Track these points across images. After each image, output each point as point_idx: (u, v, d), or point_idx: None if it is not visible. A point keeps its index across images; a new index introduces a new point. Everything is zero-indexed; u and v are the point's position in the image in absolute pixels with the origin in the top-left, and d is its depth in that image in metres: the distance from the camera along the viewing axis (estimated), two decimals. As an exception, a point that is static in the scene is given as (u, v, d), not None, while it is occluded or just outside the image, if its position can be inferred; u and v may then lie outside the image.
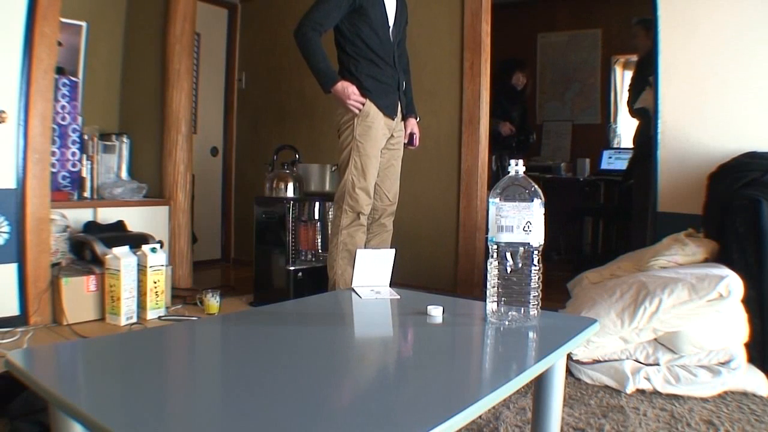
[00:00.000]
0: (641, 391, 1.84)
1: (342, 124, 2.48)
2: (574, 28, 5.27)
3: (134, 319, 2.60)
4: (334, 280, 2.53)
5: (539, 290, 1.09)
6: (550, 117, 5.43)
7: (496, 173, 4.09)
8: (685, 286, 1.81)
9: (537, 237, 1.07)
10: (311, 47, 2.36)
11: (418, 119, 2.76)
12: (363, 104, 2.40)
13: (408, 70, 2.72)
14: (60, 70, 2.98)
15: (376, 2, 2.43)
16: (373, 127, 2.42)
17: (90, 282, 2.60)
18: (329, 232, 2.85)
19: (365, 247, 2.57)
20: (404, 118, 2.64)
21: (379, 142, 2.47)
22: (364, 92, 2.41)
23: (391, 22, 2.49)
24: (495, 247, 1.09)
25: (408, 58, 2.73)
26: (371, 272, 1.44)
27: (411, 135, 2.70)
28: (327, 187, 3.15)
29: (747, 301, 1.84)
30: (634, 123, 4.19)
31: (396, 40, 2.54)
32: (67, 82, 3.05)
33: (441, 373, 0.89)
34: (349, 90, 2.38)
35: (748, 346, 1.86)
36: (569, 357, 1.94)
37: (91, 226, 2.88)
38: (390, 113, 2.49)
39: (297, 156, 3.30)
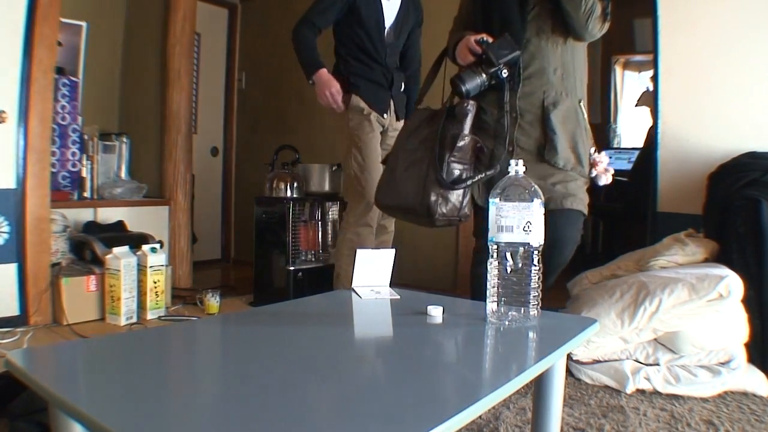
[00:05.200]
0: (641, 391, 1.84)
1: (337, 123, 2.52)
2: (574, 28, 5.26)
3: (134, 319, 2.60)
4: (337, 273, 2.56)
5: (539, 290, 1.09)
6: (550, 117, 5.42)
7: None
8: (685, 286, 1.81)
9: (537, 237, 1.07)
10: (301, 40, 2.42)
11: None
12: (339, 102, 2.42)
13: (416, 74, 2.66)
14: (60, 70, 2.98)
15: (370, 2, 2.43)
16: (365, 119, 2.44)
17: (90, 282, 2.60)
18: (336, 228, 2.85)
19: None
20: (400, 118, 2.61)
21: (375, 134, 2.48)
22: (351, 88, 2.43)
23: (388, 23, 2.48)
24: (495, 247, 1.09)
25: (420, 61, 2.66)
26: (371, 272, 1.43)
27: None
28: (327, 187, 3.15)
29: (747, 301, 1.84)
30: (635, 123, 4.17)
31: (395, 41, 2.53)
32: (67, 82, 3.04)
33: (441, 373, 0.89)
34: (331, 83, 2.40)
35: (748, 346, 1.86)
36: (569, 357, 1.94)
37: (91, 226, 2.88)
38: (379, 109, 2.48)
39: (297, 156, 3.30)
